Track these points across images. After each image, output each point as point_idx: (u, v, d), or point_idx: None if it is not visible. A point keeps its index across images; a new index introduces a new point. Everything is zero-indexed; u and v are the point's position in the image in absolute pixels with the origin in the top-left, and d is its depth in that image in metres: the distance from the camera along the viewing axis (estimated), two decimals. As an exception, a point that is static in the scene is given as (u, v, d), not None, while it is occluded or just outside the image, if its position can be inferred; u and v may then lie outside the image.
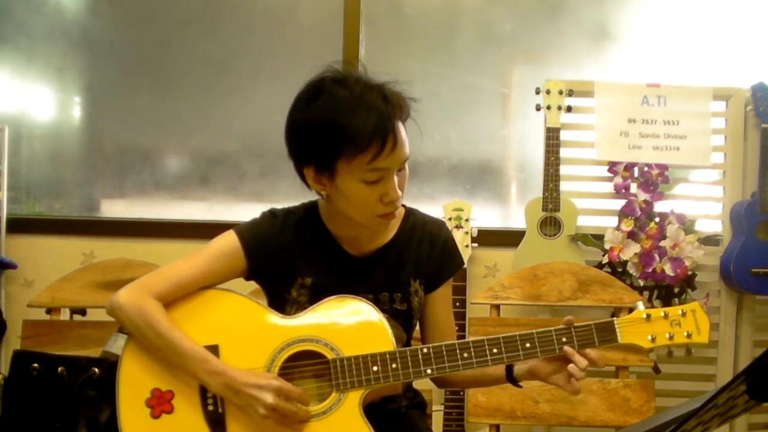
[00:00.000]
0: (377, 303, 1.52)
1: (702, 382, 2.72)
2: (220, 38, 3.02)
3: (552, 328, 1.46)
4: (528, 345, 1.45)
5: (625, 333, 1.46)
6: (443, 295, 1.65)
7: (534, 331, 1.46)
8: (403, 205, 1.65)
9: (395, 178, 1.44)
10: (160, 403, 1.44)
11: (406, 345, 1.58)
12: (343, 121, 1.38)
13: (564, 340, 1.45)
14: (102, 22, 3.05)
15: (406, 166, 1.48)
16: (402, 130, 1.43)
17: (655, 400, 1.95)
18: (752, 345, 2.73)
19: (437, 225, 1.65)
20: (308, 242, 1.56)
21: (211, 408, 1.43)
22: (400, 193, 1.45)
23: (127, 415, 1.44)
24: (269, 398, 1.37)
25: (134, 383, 1.45)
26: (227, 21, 3.02)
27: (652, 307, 1.62)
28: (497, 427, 1.99)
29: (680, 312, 1.48)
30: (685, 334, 1.47)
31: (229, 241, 1.53)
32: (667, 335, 1.46)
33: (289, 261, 1.54)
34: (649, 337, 1.46)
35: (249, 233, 1.54)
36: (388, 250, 1.59)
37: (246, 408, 1.40)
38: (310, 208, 1.60)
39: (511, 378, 1.55)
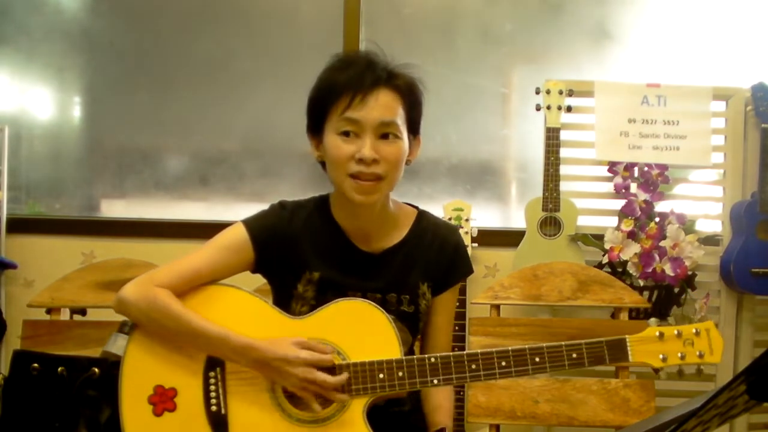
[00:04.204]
0: (384, 303, 1.51)
1: (702, 382, 2.72)
2: (219, 38, 3.02)
3: (563, 343, 1.45)
4: (537, 359, 1.44)
5: (637, 352, 1.45)
6: (446, 300, 1.64)
7: (544, 345, 1.45)
8: (416, 207, 1.65)
9: (373, 140, 1.44)
10: (162, 401, 1.43)
11: (410, 347, 1.58)
12: (328, 77, 1.48)
13: (574, 356, 1.44)
14: (102, 22, 3.05)
15: (398, 141, 1.47)
16: (386, 95, 1.46)
17: (655, 400, 1.95)
18: (752, 345, 2.72)
19: (449, 229, 1.65)
20: (318, 234, 1.55)
21: (214, 408, 1.43)
22: (376, 155, 1.44)
23: (130, 411, 1.43)
24: (300, 372, 1.39)
25: (137, 380, 1.44)
26: (227, 21, 3.02)
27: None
28: (497, 427, 1.98)
29: (694, 331, 1.46)
30: (698, 354, 1.45)
31: (237, 232, 1.52)
32: (679, 355, 1.45)
33: (297, 253, 1.53)
34: (661, 357, 1.45)
35: (257, 224, 1.54)
36: (398, 250, 1.58)
37: (278, 379, 1.42)
38: (321, 202, 1.59)
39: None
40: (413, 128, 1.53)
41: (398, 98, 1.47)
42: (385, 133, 1.45)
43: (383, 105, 1.45)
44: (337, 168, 1.47)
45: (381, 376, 1.42)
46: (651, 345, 1.46)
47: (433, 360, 1.43)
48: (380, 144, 1.45)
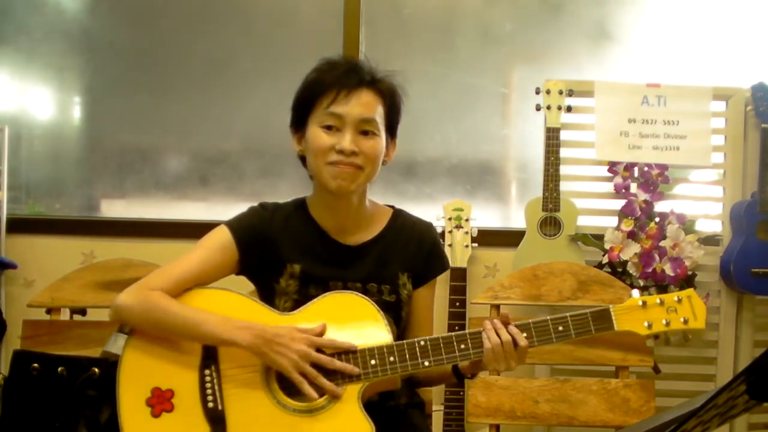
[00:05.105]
0: (365, 293, 1.56)
1: (702, 382, 2.72)
2: (220, 38, 3.02)
3: (548, 317, 1.49)
4: (525, 335, 1.47)
5: (622, 320, 1.48)
6: (424, 296, 1.69)
7: (530, 320, 1.49)
8: (393, 207, 1.71)
9: (353, 135, 1.51)
10: (160, 402, 1.44)
11: (396, 337, 1.59)
12: (315, 77, 1.56)
13: (560, 328, 1.47)
14: (102, 22, 3.05)
15: (376, 137, 1.54)
16: (368, 95, 1.54)
17: (655, 400, 1.95)
18: (752, 345, 2.72)
19: (426, 226, 1.71)
20: (297, 231, 1.61)
21: (211, 405, 1.44)
22: (355, 148, 1.51)
23: (128, 414, 1.44)
24: (302, 348, 1.41)
25: (134, 383, 1.46)
26: (227, 21, 3.02)
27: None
28: (497, 427, 1.98)
29: (676, 298, 1.48)
30: (682, 320, 1.47)
31: (220, 233, 1.58)
32: (664, 321, 1.47)
33: (278, 248, 1.58)
34: (646, 324, 1.47)
35: (239, 224, 1.60)
36: (375, 243, 1.64)
37: (276, 357, 1.41)
38: (299, 203, 1.66)
39: (456, 372, 1.58)
40: (391, 131, 1.62)
41: (379, 99, 1.56)
42: (364, 129, 1.53)
43: (365, 103, 1.54)
44: (317, 157, 1.54)
45: (373, 362, 1.45)
46: (635, 313, 1.48)
47: (422, 343, 1.47)
48: (360, 139, 1.53)
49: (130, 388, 1.46)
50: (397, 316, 1.62)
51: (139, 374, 1.46)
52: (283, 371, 1.42)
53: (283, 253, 1.59)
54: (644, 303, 1.48)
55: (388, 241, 1.64)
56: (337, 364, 1.43)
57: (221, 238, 1.57)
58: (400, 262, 1.64)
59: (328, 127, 1.53)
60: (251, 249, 1.58)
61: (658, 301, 1.48)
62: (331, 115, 1.52)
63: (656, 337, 2.56)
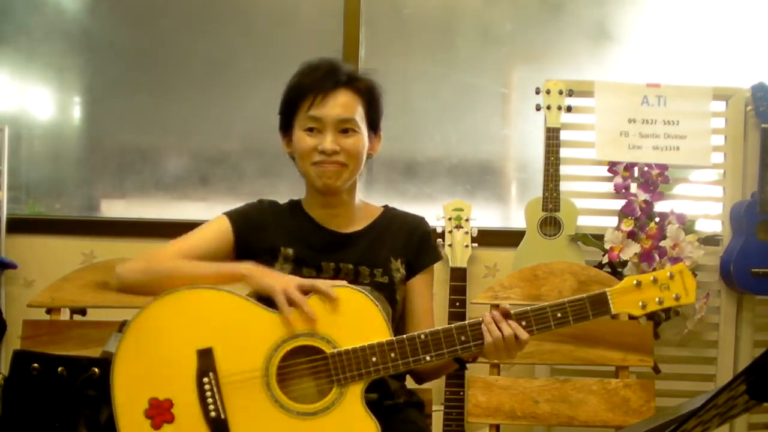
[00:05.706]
0: (357, 275, 1.61)
1: (702, 382, 2.72)
2: (220, 38, 3.02)
3: (547, 304, 1.49)
4: (524, 323, 1.49)
5: (618, 303, 1.50)
6: (422, 283, 1.72)
7: (528, 308, 1.50)
8: (385, 206, 1.78)
9: (334, 135, 1.60)
10: (159, 413, 1.41)
11: (392, 319, 1.59)
12: (296, 82, 1.64)
13: (559, 315, 1.49)
14: (102, 22, 3.05)
15: (356, 134, 1.62)
16: (345, 95, 1.62)
17: (655, 400, 1.95)
18: (752, 345, 2.72)
19: (417, 219, 1.78)
20: (290, 221, 1.70)
21: (213, 414, 1.41)
22: (336, 147, 1.60)
23: (127, 428, 1.41)
24: (295, 277, 1.50)
25: (130, 394, 1.42)
26: (227, 21, 3.02)
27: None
28: (497, 427, 1.98)
29: (669, 274, 1.51)
30: (674, 296, 1.51)
31: (218, 220, 1.69)
32: (657, 300, 1.50)
33: (272, 235, 1.66)
34: (640, 304, 1.50)
35: (236, 213, 1.70)
36: (367, 233, 1.70)
37: (271, 280, 1.48)
38: (294, 202, 1.76)
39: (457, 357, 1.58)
40: (373, 126, 1.69)
41: (357, 98, 1.64)
42: (344, 128, 1.62)
43: (342, 104, 1.62)
44: (303, 159, 1.64)
45: (374, 359, 1.43)
46: (630, 295, 1.50)
47: (423, 337, 1.46)
48: (340, 137, 1.61)
49: (126, 399, 1.41)
50: (392, 298, 1.64)
51: (133, 385, 1.42)
52: (270, 292, 1.46)
53: (277, 239, 1.65)
54: (639, 282, 1.50)
55: (379, 231, 1.71)
56: (319, 284, 1.46)
57: (220, 225, 1.67)
58: (391, 249, 1.69)
59: (310, 129, 1.61)
60: (246, 233, 1.65)
61: (652, 279, 1.51)
62: (311, 118, 1.61)
63: (657, 337, 2.57)
